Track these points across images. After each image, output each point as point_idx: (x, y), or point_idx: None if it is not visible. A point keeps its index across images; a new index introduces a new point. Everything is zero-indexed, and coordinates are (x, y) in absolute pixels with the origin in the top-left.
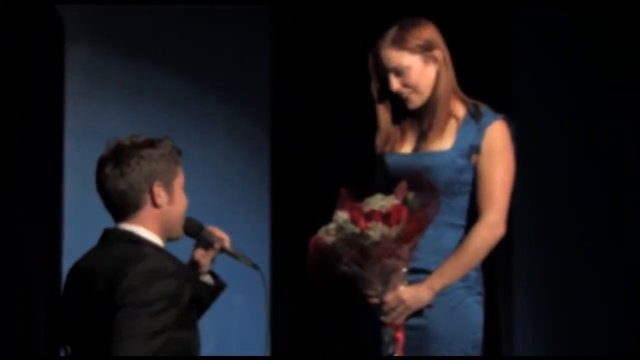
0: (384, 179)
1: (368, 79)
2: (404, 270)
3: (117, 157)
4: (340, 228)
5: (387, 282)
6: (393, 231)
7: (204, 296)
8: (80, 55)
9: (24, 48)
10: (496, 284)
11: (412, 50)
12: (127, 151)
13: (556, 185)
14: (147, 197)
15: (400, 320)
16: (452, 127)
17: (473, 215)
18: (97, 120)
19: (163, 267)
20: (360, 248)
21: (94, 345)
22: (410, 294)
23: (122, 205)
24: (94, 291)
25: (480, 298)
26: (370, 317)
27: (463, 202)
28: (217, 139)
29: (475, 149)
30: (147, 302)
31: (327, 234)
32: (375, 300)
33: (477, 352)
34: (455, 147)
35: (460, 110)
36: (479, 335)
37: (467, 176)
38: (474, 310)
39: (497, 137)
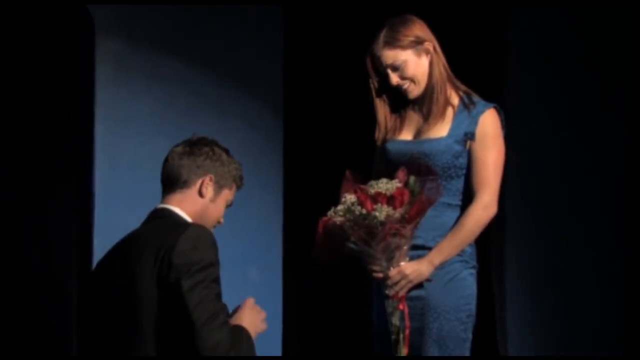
0: (385, 165)
1: (367, 78)
2: (406, 247)
3: (194, 142)
4: (348, 210)
5: (391, 258)
6: (397, 212)
7: None
8: (109, 48)
9: (57, 42)
10: (490, 260)
11: (404, 47)
12: (206, 142)
13: (548, 169)
14: (197, 183)
15: (402, 293)
16: (448, 116)
17: (467, 195)
18: (125, 109)
19: (207, 234)
20: (366, 228)
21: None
22: (412, 269)
23: (174, 179)
24: (141, 258)
25: (474, 271)
26: (375, 294)
27: (459, 184)
28: (233, 126)
29: (469, 136)
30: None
31: (335, 215)
32: (379, 275)
33: (471, 320)
34: (451, 134)
35: (455, 98)
36: (472, 305)
37: (463, 160)
38: (469, 282)
39: (489, 124)
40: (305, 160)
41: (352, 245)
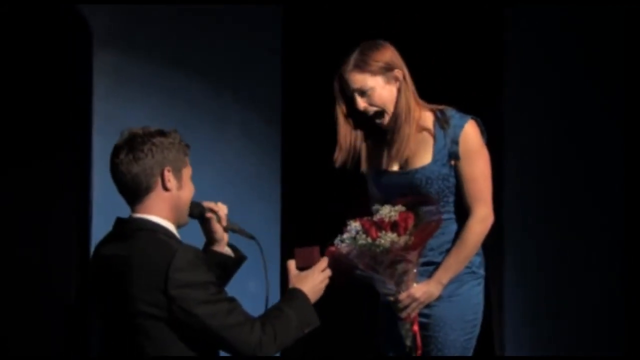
0: (378, 193)
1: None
2: (415, 270)
3: (131, 144)
4: (353, 239)
5: (400, 282)
6: (402, 239)
7: (228, 265)
8: (107, 59)
9: (56, 53)
10: (488, 267)
11: (374, 72)
12: (140, 139)
13: (547, 171)
14: (158, 181)
15: (414, 314)
16: (427, 140)
17: (460, 205)
18: (123, 119)
19: (194, 255)
20: (372, 256)
21: (127, 335)
22: (422, 292)
23: (135, 189)
24: (131, 282)
25: (481, 280)
26: (382, 311)
27: (452, 199)
28: (231, 137)
29: (454, 156)
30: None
31: (342, 244)
32: (390, 299)
33: (476, 330)
34: (435, 159)
35: (428, 120)
36: (478, 315)
37: (452, 180)
38: (475, 292)
39: (470, 140)
40: (303, 169)
41: (360, 273)
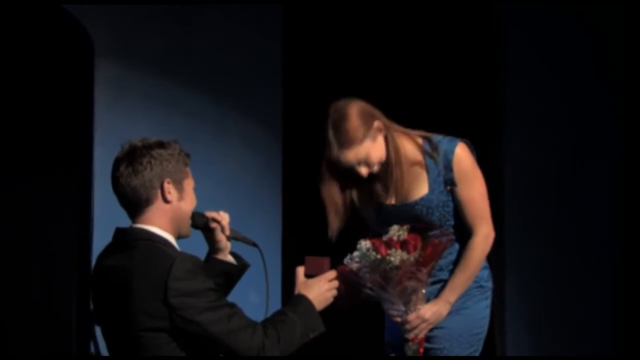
0: (380, 226)
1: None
2: (424, 291)
3: (130, 157)
4: (363, 255)
5: (408, 302)
6: (412, 257)
7: (232, 272)
8: (108, 71)
9: (58, 65)
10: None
11: (361, 140)
12: (140, 151)
13: (545, 184)
14: (158, 193)
15: (422, 335)
16: (419, 171)
17: (459, 223)
18: (124, 130)
19: (192, 264)
20: (382, 273)
21: (129, 340)
22: (431, 312)
23: (135, 201)
24: (131, 293)
25: (489, 294)
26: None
27: (453, 222)
28: (232, 147)
29: (449, 182)
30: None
31: (351, 262)
32: (398, 320)
33: (481, 344)
34: (432, 189)
35: (417, 152)
36: (484, 329)
37: (451, 204)
38: (483, 306)
39: (464, 164)
40: (304, 179)
41: (368, 291)
